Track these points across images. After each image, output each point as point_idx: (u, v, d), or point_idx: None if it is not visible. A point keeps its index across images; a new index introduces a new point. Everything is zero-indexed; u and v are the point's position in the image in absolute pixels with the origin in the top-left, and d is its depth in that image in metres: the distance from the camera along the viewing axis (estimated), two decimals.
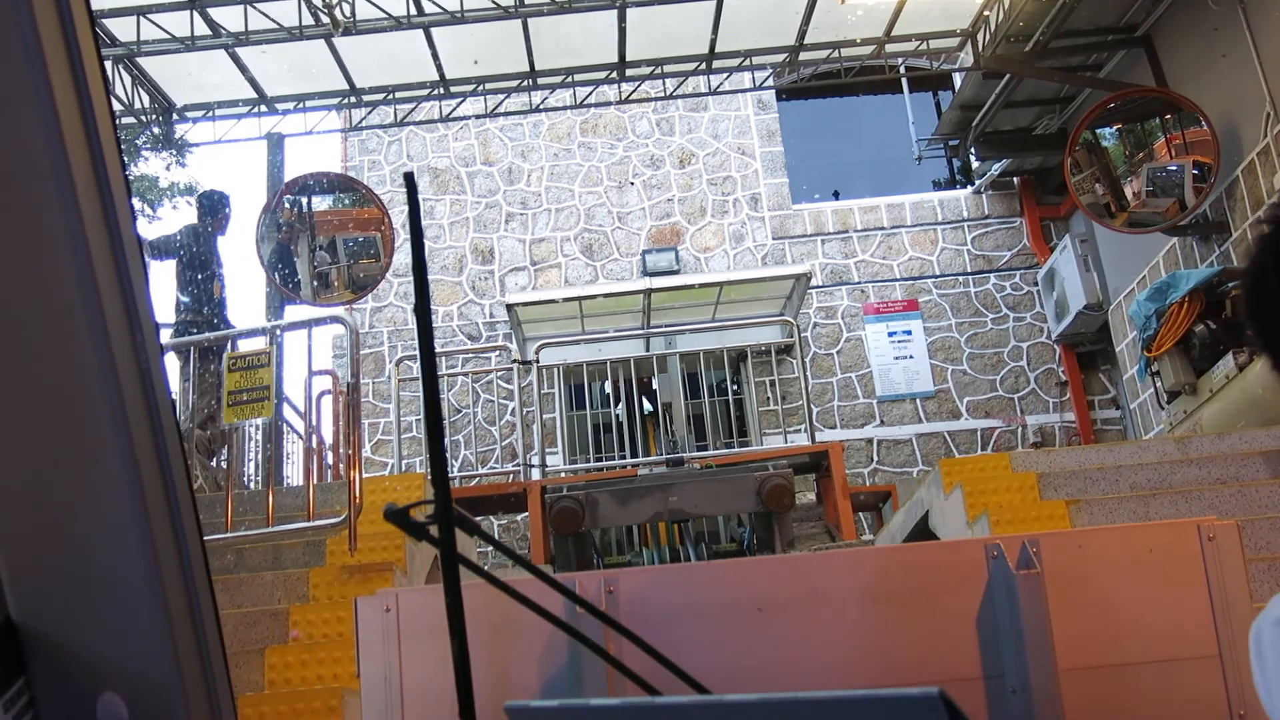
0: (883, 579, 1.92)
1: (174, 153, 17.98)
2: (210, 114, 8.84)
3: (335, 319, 5.05)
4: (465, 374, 9.93)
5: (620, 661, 1.27)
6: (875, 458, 11.04)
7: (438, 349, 11.41)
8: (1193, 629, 1.89)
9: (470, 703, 0.97)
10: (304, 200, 8.86)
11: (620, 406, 9.36)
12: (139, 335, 0.74)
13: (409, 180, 1.04)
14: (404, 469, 10.62)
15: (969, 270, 11.60)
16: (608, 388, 10.46)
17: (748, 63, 9.12)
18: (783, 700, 0.80)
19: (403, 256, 11.88)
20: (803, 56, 9.19)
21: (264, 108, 8.81)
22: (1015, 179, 11.62)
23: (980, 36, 8.96)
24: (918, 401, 11.18)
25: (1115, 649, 1.88)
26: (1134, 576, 1.92)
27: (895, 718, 0.74)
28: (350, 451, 4.96)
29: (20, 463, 0.74)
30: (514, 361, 8.49)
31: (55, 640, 0.76)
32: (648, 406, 10.57)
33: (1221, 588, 1.90)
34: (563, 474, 9.23)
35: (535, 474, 8.20)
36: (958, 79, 12.29)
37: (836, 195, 12.20)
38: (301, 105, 8.86)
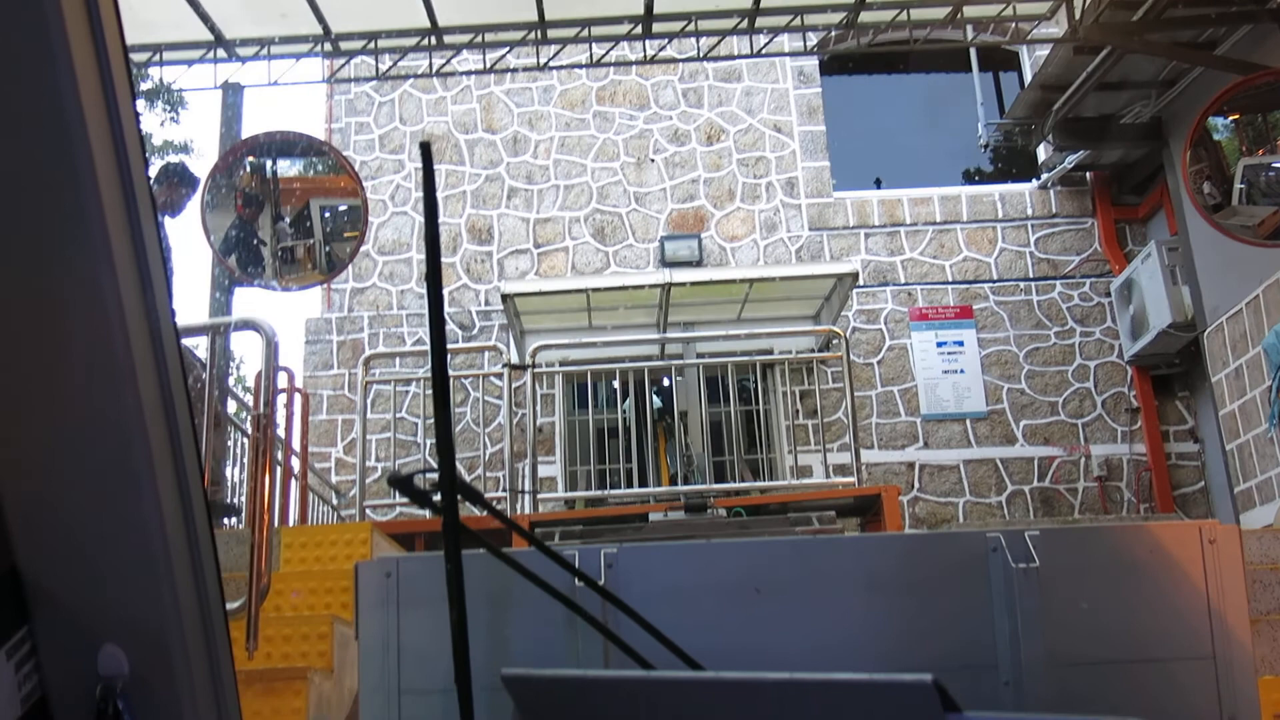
0: (883, 566, 1.89)
1: (167, 105, 16.56)
2: (157, 58, 7.44)
3: (247, 324, 3.67)
4: (451, 376, 8.54)
5: (618, 636, 1.26)
6: (916, 484, 9.68)
7: (422, 341, 10.05)
8: (1188, 630, 1.85)
9: (466, 669, 0.96)
10: (266, 164, 7.47)
11: (629, 403, 8.06)
12: (150, 293, 0.75)
13: (425, 150, 1.05)
14: (379, 472, 9.29)
15: (1031, 275, 10.18)
16: (615, 383, 9.14)
17: (798, 22, 7.67)
18: (777, 680, 0.79)
19: (390, 233, 10.51)
20: (863, 18, 7.75)
21: (221, 52, 7.41)
22: (1088, 174, 10.18)
23: (1077, 3, 7.52)
24: (968, 422, 9.79)
25: (1109, 646, 1.83)
26: (1133, 576, 1.87)
27: (889, 702, 0.74)
28: (259, 507, 3.59)
29: (26, 416, 0.73)
30: (505, 365, 7.12)
31: (58, 591, 0.76)
32: (658, 402, 9.24)
33: (1219, 591, 1.84)
34: (559, 502, 7.90)
35: (526, 502, 6.86)
36: (1025, 59, 10.87)
37: (878, 184, 10.77)
38: (266, 51, 7.45)
